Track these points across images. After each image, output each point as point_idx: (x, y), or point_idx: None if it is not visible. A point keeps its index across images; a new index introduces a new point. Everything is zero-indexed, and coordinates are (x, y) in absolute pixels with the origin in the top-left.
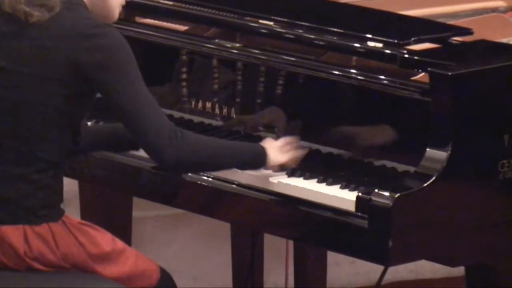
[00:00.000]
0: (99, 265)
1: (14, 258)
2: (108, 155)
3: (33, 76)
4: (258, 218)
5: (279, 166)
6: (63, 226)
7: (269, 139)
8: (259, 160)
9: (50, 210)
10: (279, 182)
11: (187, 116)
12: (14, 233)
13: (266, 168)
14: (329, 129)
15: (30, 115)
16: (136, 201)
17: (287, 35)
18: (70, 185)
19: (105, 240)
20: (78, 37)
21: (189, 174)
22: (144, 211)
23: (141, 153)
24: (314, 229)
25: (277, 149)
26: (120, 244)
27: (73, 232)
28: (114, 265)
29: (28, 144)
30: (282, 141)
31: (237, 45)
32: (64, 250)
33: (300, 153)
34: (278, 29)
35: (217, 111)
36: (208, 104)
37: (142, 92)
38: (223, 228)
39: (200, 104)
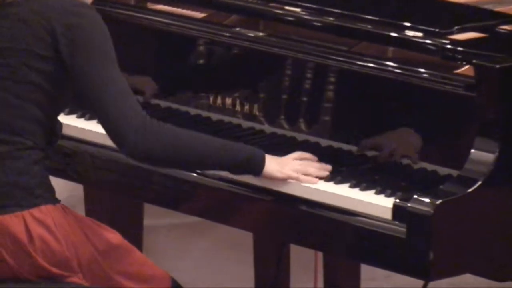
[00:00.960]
0: (105, 260)
1: (17, 252)
2: (115, 155)
3: (14, 51)
4: (281, 227)
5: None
6: (63, 213)
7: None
8: (252, 166)
9: (46, 192)
10: (307, 187)
11: (204, 114)
12: (13, 222)
13: (261, 177)
14: (361, 128)
15: (13, 93)
16: (148, 207)
17: (315, 23)
18: (74, 190)
19: (111, 234)
20: (59, 13)
21: (195, 174)
22: (156, 219)
23: None
24: (346, 239)
25: (281, 163)
26: (127, 243)
27: (75, 222)
28: (121, 263)
29: (12, 123)
30: (294, 155)
31: (260, 34)
32: (67, 239)
33: (312, 172)
34: (306, 17)
35: (238, 108)
36: (228, 100)
37: (114, 78)
38: (245, 238)
39: (219, 100)
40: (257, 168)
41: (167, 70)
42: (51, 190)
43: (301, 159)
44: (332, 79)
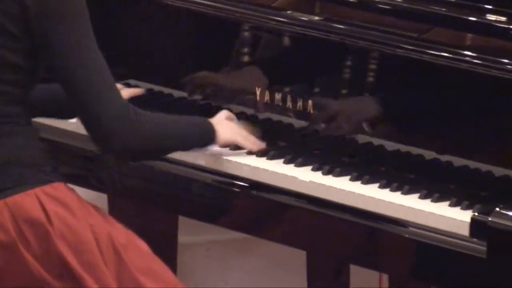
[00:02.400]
0: (127, 254)
1: (34, 237)
2: (147, 162)
3: None
4: (339, 244)
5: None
6: (77, 194)
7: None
8: (208, 137)
9: (55, 170)
10: (366, 197)
11: (249, 111)
12: (26, 201)
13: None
14: (434, 129)
15: None
16: (183, 222)
17: (381, 6)
18: (97, 200)
19: (134, 236)
20: None
21: (240, 182)
22: (193, 235)
23: (189, 159)
24: (415, 258)
25: (227, 124)
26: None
27: (90, 205)
28: (142, 262)
29: None
30: (223, 115)
31: (316, 18)
32: (86, 219)
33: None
34: None
35: (289, 104)
36: (278, 96)
37: (92, 55)
38: (296, 257)
39: (266, 96)
40: (212, 137)
41: (206, 61)
42: (57, 167)
43: (229, 118)
44: (399, 71)
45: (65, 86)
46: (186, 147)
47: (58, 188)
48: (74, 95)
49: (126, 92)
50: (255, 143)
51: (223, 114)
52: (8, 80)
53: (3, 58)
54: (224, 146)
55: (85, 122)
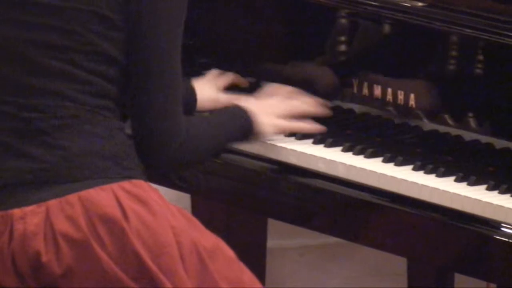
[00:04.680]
0: (213, 262)
1: (109, 236)
2: (233, 158)
3: (75, 12)
4: (442, 250)
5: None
6: (158, 192)
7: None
8: (244, 130)
9: (136, 166)
10: (473, 200)
11: (346, 105)
12: (101, 196)
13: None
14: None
15: (79, 65)
16: (273, 225)
17: None
18: (179, 200)
19: (221, 242)
20: None
21: (335, 184)
22: (284, 239)
23: (280, 157)
24: None
25: (267, 109)
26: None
27: (173, 206)
28: (231, 271)
29: (80, 98)
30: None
31: (420, 4)
32: (167, 220)
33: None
34: None
35: (389, 98)
36: (377, 89)
37: (174, 63)
38: (396, 263)
39: (365, 89)
40: (250, 129)
41: (298, 50)
42: (140, 165)
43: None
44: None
45: (138, 94)
46: (223, 146)
47: (138, 185)
48: (142, 94)
49: (223, 81)
50: (307, 125)
51: (267, 92)
52: (98, 71)
53: (95, 46)
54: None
55: (138, 128)
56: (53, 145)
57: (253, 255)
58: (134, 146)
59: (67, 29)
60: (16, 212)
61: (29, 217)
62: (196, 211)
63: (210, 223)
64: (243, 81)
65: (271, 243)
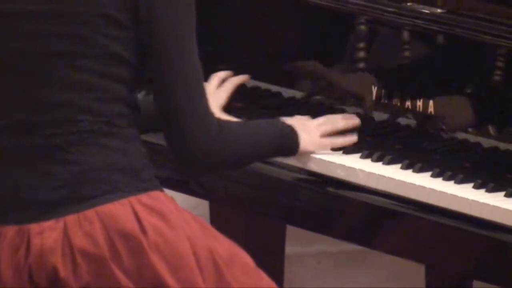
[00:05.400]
0: (229, 269)
1: (127, 251)
2: (252, 165)
3: (87, 17)
4: (461, 257)
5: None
6: (174, 202)
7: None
8: (287, 145)
9: (153, 176)
10: (491, 206)
11: (364, 112)
12: (120, 210)
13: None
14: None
15: (96, 72)
16: (291, 231)
17: None
18: (197, 207)
19: (230, 243)
20: None
21: (353, 190)
22: (302, 246)
23: (298, 163)
24: None
25: (305, 127)
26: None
27: (189, 214)
28: (236, 278)
29: (97, 107)
30: (321, 119)
31: (439, 10)
32: (183, 231)
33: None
34: None
35: (408, 105)
36: (396, 96)
37: (193, 61)
38: (414, 270)
39: (383, 95)
40: (294, 145)
41: (318, 56)
42: (154, 174)
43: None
44: None
45: (159, 83)
46: (264, 159)
47: (155, 197)
48: (166, 98)
49: (231, 84)
50: (345, 140)
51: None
52: (109, 73)
53: (105, 48)
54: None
55: (175, 135)
56: (70, 160)
57: (271, 262)
58: (146, 155)
59: (75, 35)
60: (34, 227)
61: (47, 232)
62: (215, 217)
63: (228, 230)
64: (245, 79)
65: (289, 249)
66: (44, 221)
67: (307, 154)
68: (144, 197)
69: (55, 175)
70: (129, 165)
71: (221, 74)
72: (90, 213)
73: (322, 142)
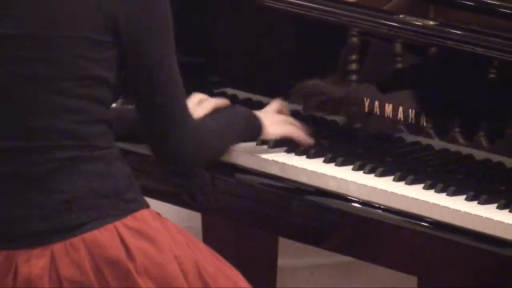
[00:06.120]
0: (216, 285)
1: (114, 278)
2: (245, 177)
3: (62, 40)
4: (450, 270)
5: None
6: (160, 219)
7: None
8: (254, 133)
9: (138, 194)
10: (484, 218)
11: (356, 124)
12: (105, 237)
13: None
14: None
15: (72, 94)
16: (284, 243)
17: (502, 9)
18: (189, 220)
19: (217, 259)
20: None
21: (345, 202)
22: (295, 258)
23: (290, 175)
24: None
25: (274, 117)
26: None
27: (176, 231)
28: None
29: (76, 130)
30: (274, 105)
31: (431, 23)
32: (171, 251)
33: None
34: (492, 1)
35: (400, 117)
36: (388, 107)
37: (174, 66)
38: (407, 282)
39: (376, 107)
40: (258, 130)
41: (310, 68)
42: (140, 191)
43: (278, 111)
44: None
45: (143, 100)
46: (232, 145)
47: (141, 218)
48: (151, 111)
49: (210, 103)
50: (306, 138)
51: (274, 106)
52: (89, 95)
53: (86, 70)
54: (276, 139)
55: (154, 139)
56: (53, 189)
57: (264, 274)
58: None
59: (54, 59)
60: (21, 254)
61: (34, 260)
62: (207, 230)
63: (220, 242)
64: (226, 103)
65: (281, 261)
66: (31, 248)
67: (299, 167)
68: (130, 220)
69: (39, 205)
70: (113, 188)
71: (202, 96)
72: (76, 240)
73: (282, 126)
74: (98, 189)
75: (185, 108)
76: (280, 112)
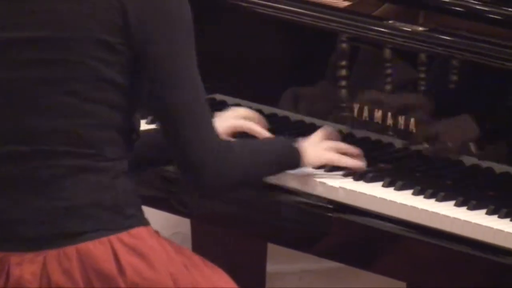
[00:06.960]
0: None
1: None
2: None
3: (74, 41)
4: (439, 276)
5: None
6: (157, 237)
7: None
8: (292, 160)
9: (138, 210)
10: (473, 224)
11: (346, 130)
12: (99, 249)
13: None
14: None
15: (81, 97)
16: (272, 249)
17: (491, 16)
18: (178, 226)
19: (218, 275)
20: None
21: (333, 207)
22: (283, 264)
23: (280, 181)
24: None
25: (318, 146)
26: None
27: (172, 249)
28: None
29: (84, 135)
30: (320, 134)
31: (420, 28)
32: (165, 269)
33: (345, 146)
34: (480, 7)
35: (389, 122)
36: (377, 113)
37: (195, 83)
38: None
39: (365, 113)
40: (298, 159)
41: (299, 74)
42: (141, 208)
43: (328, 137)
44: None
45: (163, 119)
46: (270, 175)
47: (137, 235)
48: (175, 131)
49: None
50: (354, 161)
51: (320, 134)
52: (100, 99)
53: (97, 72)
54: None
55: (188, 164)
56: (54, 196)
57: (253, 279)
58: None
59: (68, 60)
60: (14, 257)
61: (26, 264)
62: (196, 236)
63: (209, 248)
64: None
65: (270, 267)
66: (24, 252)
67: (286, 172)
68: (126, 236)
69: (39, 210)
70: (114, 202)
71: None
72: (70, 250)
73: (326, 155)
74: (99, 201)
75: (212, 133)
76: (328, 138)
